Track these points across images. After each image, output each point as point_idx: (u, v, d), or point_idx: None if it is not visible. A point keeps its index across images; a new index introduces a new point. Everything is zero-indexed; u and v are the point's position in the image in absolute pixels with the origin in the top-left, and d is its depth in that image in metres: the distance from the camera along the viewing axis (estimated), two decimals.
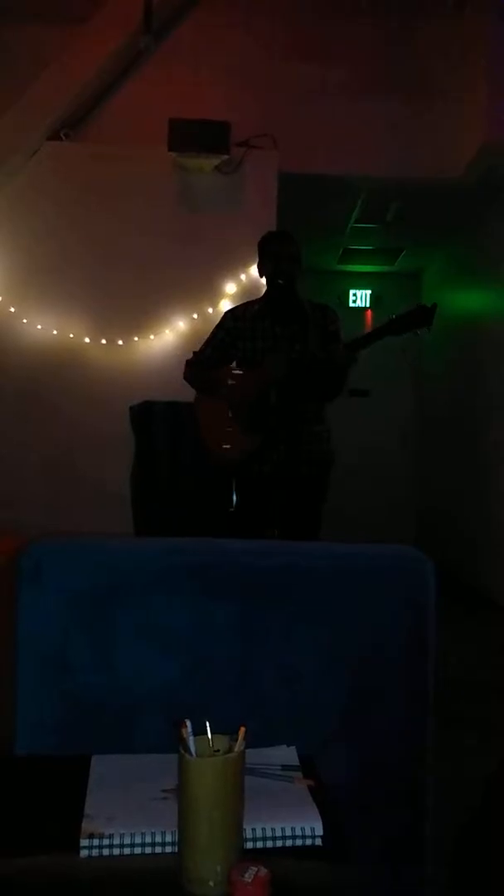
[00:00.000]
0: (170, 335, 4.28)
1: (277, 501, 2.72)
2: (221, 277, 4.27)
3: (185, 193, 4.34)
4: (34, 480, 4.22)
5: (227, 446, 2.70)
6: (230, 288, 4.27)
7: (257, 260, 2.86)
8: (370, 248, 6.15)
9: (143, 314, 4.31)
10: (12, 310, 4.29)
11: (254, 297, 2.98)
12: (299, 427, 2.68)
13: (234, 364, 2.80)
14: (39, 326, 4.28)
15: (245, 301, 3.06)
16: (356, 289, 6.88)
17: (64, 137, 4.31)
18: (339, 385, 2.74)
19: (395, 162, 4.42)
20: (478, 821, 1.09)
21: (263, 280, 2.87)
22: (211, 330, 2.89)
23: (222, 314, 2.94)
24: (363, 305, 6.88)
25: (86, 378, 4.29)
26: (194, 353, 2.90)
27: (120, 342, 4.32)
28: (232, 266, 4.26)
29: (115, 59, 4.23)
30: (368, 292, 6.89)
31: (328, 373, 2.65)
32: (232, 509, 2.76)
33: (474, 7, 4.22)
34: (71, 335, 4.29)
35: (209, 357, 2.82)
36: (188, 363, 2.86)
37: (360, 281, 6.88)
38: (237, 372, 2.76)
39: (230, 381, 2.75)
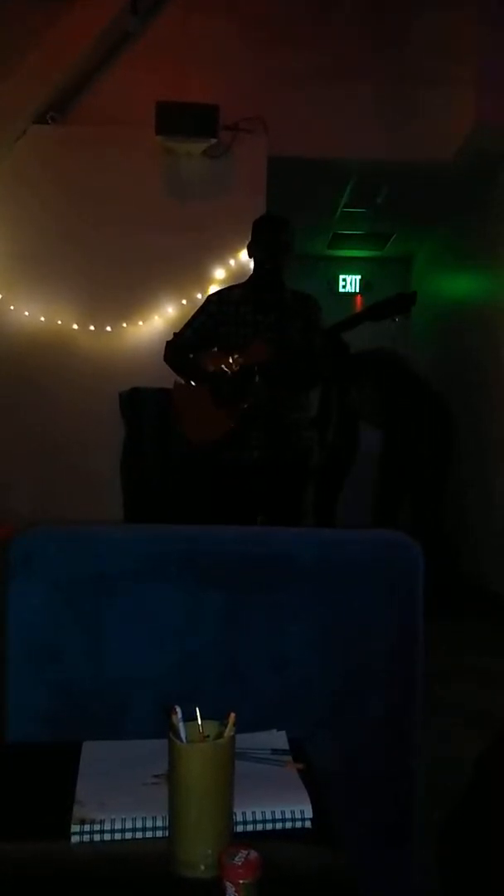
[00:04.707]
0: (159, 321, 4.26)
1: (262, 488, 2.73)
2: (210, 262, 4.25)
3: (173, 177, 4.31)
4: (23, 468, 4.21)
5: (205, 429, 2.71)
6: (219, 273, 4.25)
7: (249, 241, 2.84)
8: (360, 232, 6.13)
9: (132, 300, 4.28)
10: None
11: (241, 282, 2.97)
12: (279, 414, 2.69)
13: (215, 349, 2.80)
14: (27, 313, 4.24)
15: (229, 285, 3.05)
16: (346, 274, 6.86)
17: (50, 121, 4.26)
18: (318, 374, 2.76)
19: (384, 146, 4.40)
20: (465, 804, 1.10)
21: (251, 263, 2.86)
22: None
23: (206, 297, 2.93)
24: (353, 291, 6.86)
25: (74, 365, 4.27)
26: (175, 334, 2.90)
27: (108, 328, 4.29)
28: (221, 251, 4.24)
29: (102, 41, 4.18)
30: (358, 277, 6.87)
31: (307, 362, 2.68)
32: (212, 495, 2.78)
33: None
34: (59, 322, 4.26)
35: (188, 339, 2.82)
36: (169, 344, 2.87)
37: (350, 266, 6.86)
38: (219, 355, 2.77)
39: (211, 364, 2.75)
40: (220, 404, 2.68)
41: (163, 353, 2.88)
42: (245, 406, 2.64)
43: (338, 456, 4.08)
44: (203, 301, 2.92)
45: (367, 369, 3.86)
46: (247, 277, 2.93)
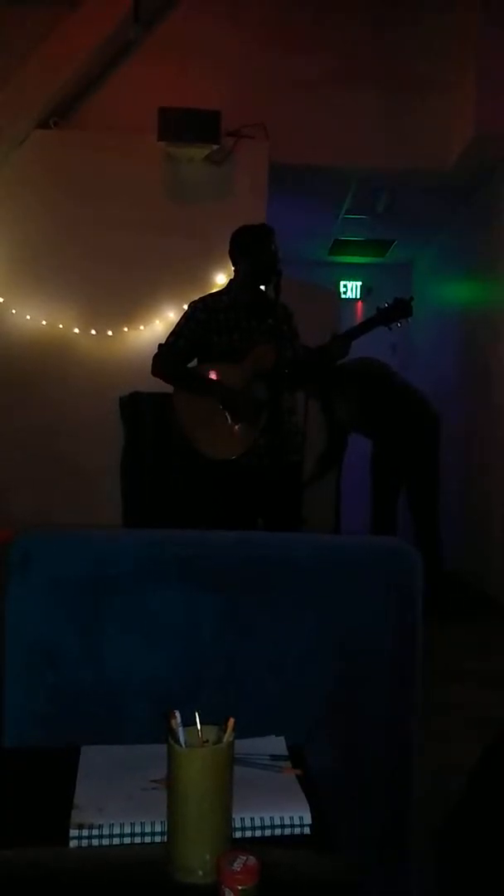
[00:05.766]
0: (160, 326, 4.27)
1: (262, 492, 2.72)
2: (211, 267, 4.26)
3: (174, 183, 4.32)
4: (23, 471, 4.21)
5: (225, 443, 2.69)
6: (220, 278, 4.25)
7: (235, 250, 2.82)
8: (361, 238, 6.15)
9: (133, 305, 4.29)
10: (0, 300, 4.26)
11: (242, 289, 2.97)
12: (282, 418, 2.69)
13: (214, 357, 2.78)
14: (28, 317, 4.25)
15: (210, 293, 3.01)
16: (347, 280, 6.88)
17: (53, 126, 4.27)
18: (322, 379, 2.77)
19: (386, 153, 4.42)
20: (463, 807, 1.10)
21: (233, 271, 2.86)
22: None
23: (190, 306, 2.87)
24: (354, 297, 6.87)
25: (75, 369, 4.28)
26: (161, 346, 2.84)
27: (109, 332, 4.30)
28: (222, 256, 4.20)
29: (105, 47, 4.20)
30: (359, 283, 6.89)
31: (311, 365, 2.70)
32: (214, 500, 2.78)
33: (465, 1, 4.21)
34: (60, 326, 4.27)
35: (181, 349, 2.77)
36: (157, 357, 2.80)
37: (351, 272, 6.87)
38: (223, 365, 2.74)
39: (217, 375, 2.73)
40: (237, 416, 2.66)
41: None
42: (265, 417, 2.64)
43: (328, 466, 4.11)
44: (187, 310, 2.85)
45: (350, 380, 3.90)
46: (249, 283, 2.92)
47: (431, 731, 1.30)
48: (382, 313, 2.68)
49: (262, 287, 2.76)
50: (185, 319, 2.81)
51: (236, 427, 2.67)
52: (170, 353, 2.79)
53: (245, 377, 2.67)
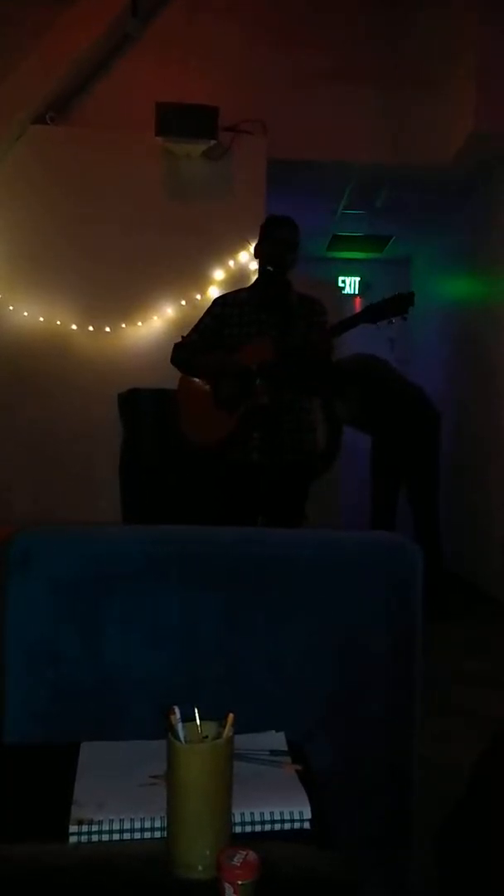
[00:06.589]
0: (157, 322, 4.26)
1: (262, 489, 2.72)
2: (209, 264, 4.25)
3: (172, 179, 4.31)
4: (21, 468, 4.20)
5: (206, 430, 2.70)
6: (218, 274, 4.25)
7: (257, 241, 2.84)
8: (359, 234, 6.14)
9: (131, 301, 4.28)
10: None
11: (242, 284, 2.98)
12: (281, 415, 2.68)
13: (225, 350, 2.79)
14: (26, 313, 4.24)
15: (234, 288, 3.05)
16: (345, 276, 6.87)
17: (50, 121, 4.26)
18: (322, 375, 2.76)
19: (384, 148, 4.41)
20: (464, 805, 1.10)
21: (255, 263, 2.85)
22: (199, 316, 2.89)
23: (212, 301, 2.93)
24: (352, 292, 6.86)
25: (73, 365, 4.27)
26: (183, 337, 2.90)
27: (107, 329, 4.29)
28: (220, 252, 4.24)
29: (103, 42, 4.18)
30: (357, 279, 6.88)
31: (308, 361, 2.66)
32: (212, 496, 2.77)
33: None
34: (58, 322, 4.26)
35: (194, 341, 2.82)
36: (176, 346, 2.86)
37: (350, 268, 6.86)
38: (223, 355, 2.76)
39: (214, 364, 2.74)
40: (220, 405, 2.67)
41: (162, 353, 2.88)
42: (244, 407, 2.63)
43: (329, 463, 4.12)
44: (209, 304, 2.91)
45: (350, 378, 3.90)
46: (246, 279, 2.93)
47: (431, 731, 1.30)
48: (369, 310, 2.60)
49: (271, 279, 2.75)
50: (205, 313, 2.87)
51: (216, 415, 2.67)
52: (183, 344, 2.84)
53: (237, 368, 2.66)
